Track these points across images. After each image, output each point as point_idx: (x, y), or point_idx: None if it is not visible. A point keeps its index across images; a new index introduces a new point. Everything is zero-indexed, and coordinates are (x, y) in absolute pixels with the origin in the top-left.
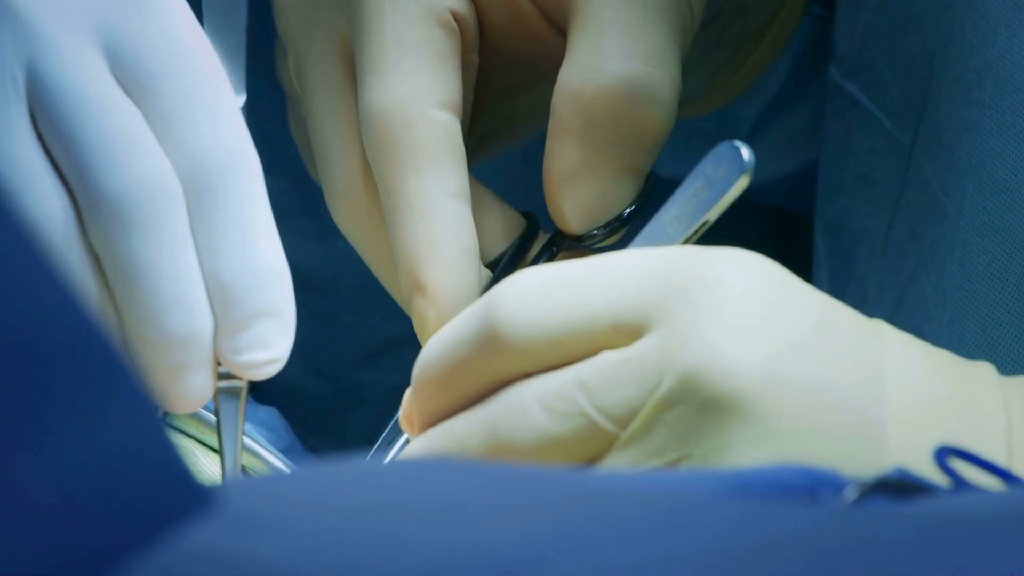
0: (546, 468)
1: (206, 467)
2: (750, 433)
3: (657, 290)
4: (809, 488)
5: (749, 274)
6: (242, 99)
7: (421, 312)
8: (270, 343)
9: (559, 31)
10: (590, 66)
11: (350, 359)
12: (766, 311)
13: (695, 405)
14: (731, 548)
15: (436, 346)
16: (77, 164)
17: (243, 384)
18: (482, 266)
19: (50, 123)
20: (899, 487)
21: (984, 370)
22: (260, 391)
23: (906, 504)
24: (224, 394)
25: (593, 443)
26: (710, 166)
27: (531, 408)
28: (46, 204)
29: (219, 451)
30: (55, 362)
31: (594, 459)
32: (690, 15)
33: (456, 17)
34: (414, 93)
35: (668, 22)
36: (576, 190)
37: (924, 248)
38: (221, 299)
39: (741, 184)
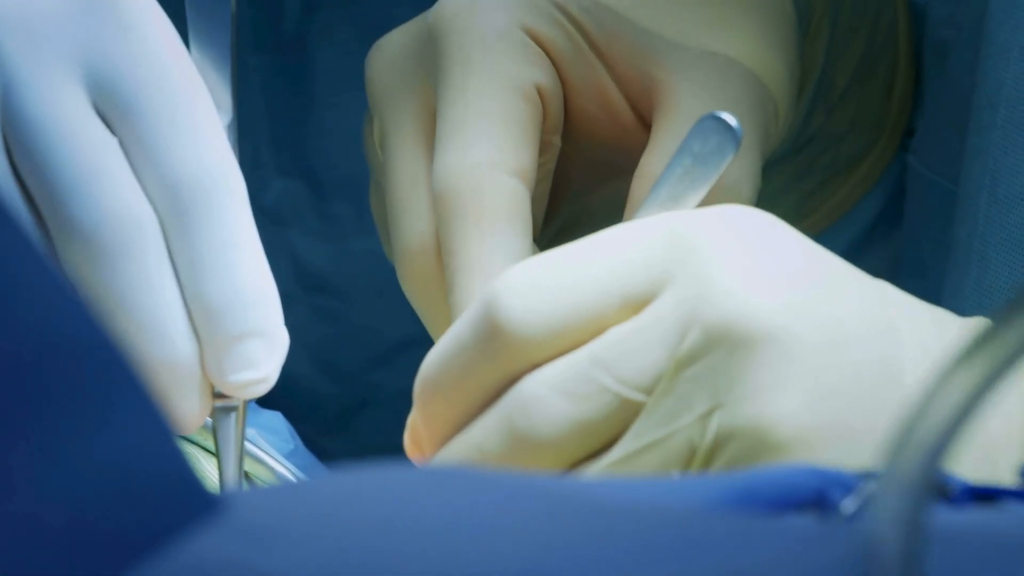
0: (557, 480)
1: (211, 473)
2: (780, 373)
3: (662, 254)
4: (818, 489)
5: (754, 227)
6: (227, 118)
7: None
8: (255, 363)
9: (644, 124)
10: (671, 155)
11: (362, 360)
12: (777, 260)
13: (725, 351)
14: (734, 568)
15: (436, 359)
16: (49, 197)
17: (238, 403)
18: None
19: (23, 155)
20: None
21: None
22: (266, 395)
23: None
24: (221, 412)
25: (619, 417)
26: (697, 143)
27: (547, 396)
28: None
29: (218, 469)
30: (59, 369)
31: (622, 434)
32: (775, 118)
33: (540, 92)
34: (485, 158)
35: (754, 120)
36: None
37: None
38: (204, 321)
39: (734, 155)
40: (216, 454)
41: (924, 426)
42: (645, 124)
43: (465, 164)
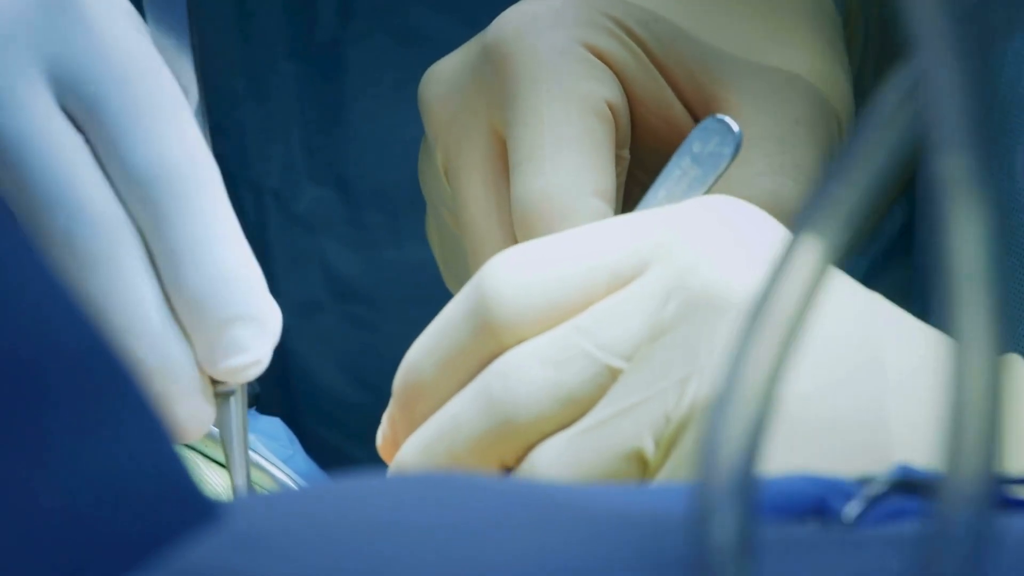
0: (553, 487)
1: (212, 480)
2: None
3: (652, 234)
4: (818, 497)
5: (744, 215)
6: (194, 102)
7: None
8: (246, 347)
9: None
10: (738, 176)
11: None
12: (764, 243)
13: (706, 318)
14: None
15: (421, 345)
16: (23, 207)
17: (235, 387)
18: None
19: None
20: (908, 487)
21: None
22: (264, 401)
23: (917, 505)
24: (220, 399)
25: (600, 385)
26: (696, 143)
27: (526, 363)
28: None
29: (225, 458)
30: (58, 373)
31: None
32: (839, 135)
33: (611, 108)
34: (571, 182)
35: (817, 139)
36: None
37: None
38: (189, 313)
39: (732, 159)
40: (221, 455)
41: (969, 429)
42: None
43: (550, 189)
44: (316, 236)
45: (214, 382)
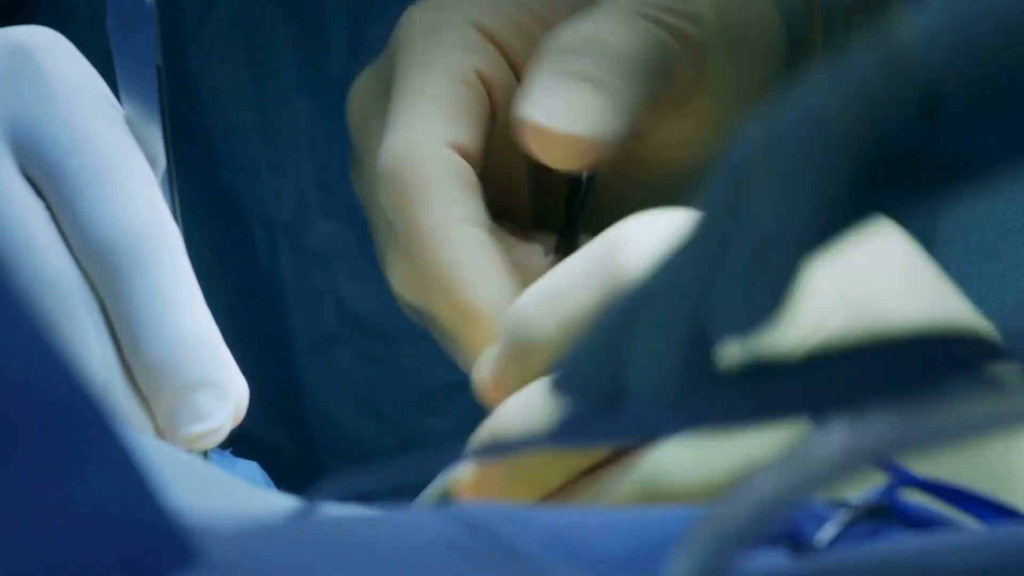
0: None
1: None
2: None
3: None
4: (790, 522)
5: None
6: (161, 170)
7: (467, 338)
8: (206, 415)
9: None
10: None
11: (406, 403)
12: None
13: None
14: None
15: (538, 301)
16: None
17: (199, 456)
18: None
19: None
20: (884, 511)
21: None
22: (240, 445)
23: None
24: None
25: None
26: None
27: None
28: None
29: None
30: (33, 416)
31: None
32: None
33: (483, 79)
34: (422, 135)
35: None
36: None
37: None
38: (148, 380)
39: None
40: None
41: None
42: None
43: (400, 144)
44: (329, 270)
45: None
